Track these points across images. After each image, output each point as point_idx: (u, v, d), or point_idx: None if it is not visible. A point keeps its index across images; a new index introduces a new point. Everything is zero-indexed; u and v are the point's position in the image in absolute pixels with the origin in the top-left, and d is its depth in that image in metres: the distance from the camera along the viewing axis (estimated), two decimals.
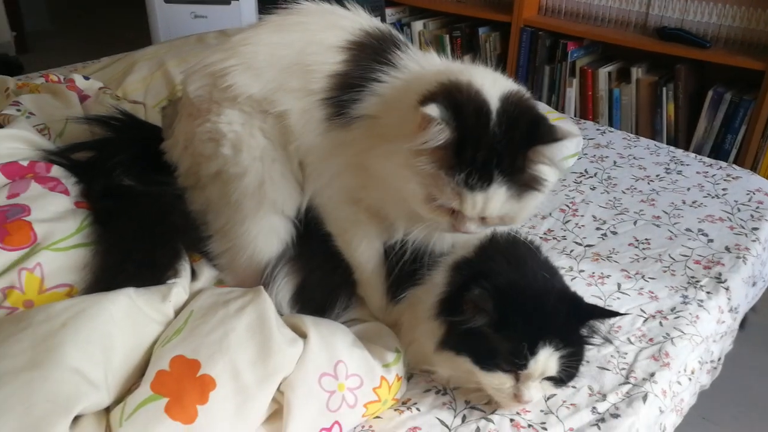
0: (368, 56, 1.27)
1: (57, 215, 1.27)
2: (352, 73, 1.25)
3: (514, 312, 1.14)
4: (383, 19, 3.78)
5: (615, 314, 1.29)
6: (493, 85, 1.16)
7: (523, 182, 1.13)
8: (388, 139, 1.17)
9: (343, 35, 1.28)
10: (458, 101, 1.09)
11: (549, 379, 1.18)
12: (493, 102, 1.13)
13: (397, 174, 1.14)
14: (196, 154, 1.34)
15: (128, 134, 1.55)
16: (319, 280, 1.38)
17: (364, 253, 1.34)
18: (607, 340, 1.29)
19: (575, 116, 3.05)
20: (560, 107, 3.26)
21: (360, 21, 1.32)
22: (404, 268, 1.31)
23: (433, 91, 1.13)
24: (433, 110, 1.04)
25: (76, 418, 0.97)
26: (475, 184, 1.08)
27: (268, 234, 1.33)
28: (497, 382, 1.16)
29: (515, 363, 1.13)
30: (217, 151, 1.29)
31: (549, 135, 1.11)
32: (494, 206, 1.12)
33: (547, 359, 1.13)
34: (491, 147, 1.08)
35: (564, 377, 1.18)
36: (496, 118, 1.11)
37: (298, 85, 1.26)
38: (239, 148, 1.28)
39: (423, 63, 1.29)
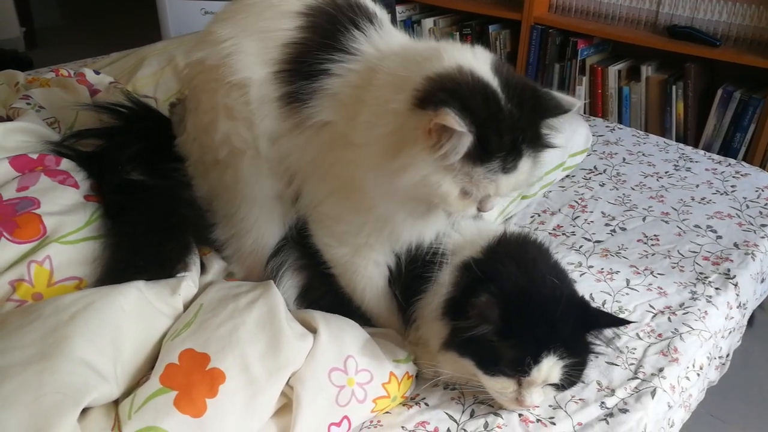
0: (323, 30, 1.21)
1: (66, 208, 1.27)
2: (305, 51, 1.20)
3: (520, 320, 1.13)
4: (394, 17, 3.77)
5: (622, 322, 1.29)
6: (477, 59, 1.12)
7: (539, 147, 1.12)
8: (368, 149, 1.13)
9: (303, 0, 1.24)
10: (463, 95, 1.04)
11: (551, 384, 1.17)
12: (491, 79, 1.09)
13: (423, 183, 1.06)
14: (201, 145, 1.35)
15: (137, 124, 1.54)
16: (334, 298, 1.36)
17: (372, 298, 1.33)
18: (610, 345, 1.29)
19: (585, 113, 3.05)
20: None
21: None
22: (408, 287, 1.30)
23: (425, 90, 1.06)
24: (451, 121, 0.98)
25: (85, 410, 0.97)
26: (509, 167, 1.07)
27: (268, 218, 1.32)
28: (500, 386, 1.16)
29: (519, 370, 1.13)
30: (209, 141, 1.30)
31: (558, 108, 1.13)
32: (522, 178, 1.11)
33: (550, 368, 1.13)
34: (512, 126, 1.06)
35: (566, 384, 1.17)
36: (504, 95, 1.08)
37: (256, 49, 1.22)
38: (212, 138, 1.27)
39: (380, 45, 1.22)
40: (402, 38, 1.27)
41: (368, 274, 1.30)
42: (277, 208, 1.33)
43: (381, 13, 1.28)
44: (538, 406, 1.22)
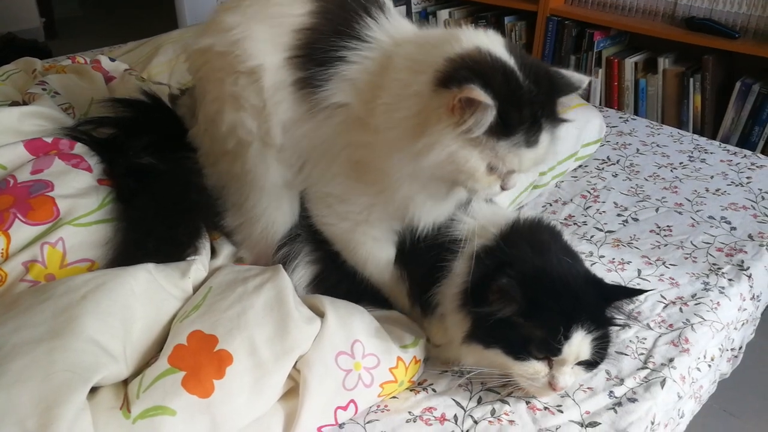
0: (335, 17, 1.22)
1: (80, 191, 1.28)
2: (318, 36, 1.20)
3: (543, 298, 1.12)
4: (408, 8, 3.77)
5: (640, 292, 1.31)
6: (492, 42, 1.15)
7: (556, 121, 1.16)
8: (390, 133, 1.14)
9: None
10: (485, 72, 1.07)
11: (580, 364, 1.17)
12: (508, 58, 1.12)
13: (450, 160, 1.09)
14: (211, 136, 1.35)
15: (150, 115, 1.55)
16: (342, 278, 1.37)
17: (374, 269, 1.33)
18: (632, 318, 1.29)
19: (600, 105, 3.04)
20: (585, 97, 3.22)
21: None
22: (425, 271, 1.30)
23: (446, 70, 1.09)
24: (477, 93, 1.01)
25: (94, 389, 0.98)
26: (531, 140, 1.10)
27: (277, 206, 1.33)
28: (531, 371, 1.14)
29: (550, 348, 1.12)
30: (216, 132, 1.30)
31: (570, 86, 1.17)
32: (542, 152, 1.13)
33: (580, 343, 1.12)
34: (531, 101, 1.09)
35: (597, 359, 1.17)
36: (521, 73, 1.11)
37: (267, 35, 1.22)
38: (220, 129, 1.28)
39: (393, 33, 1.24)
40: (411, 26, 1.30)
41: (367, 248, 1.31)
42: (286, 197, 1.33)
43: (387, 2, 1.30)
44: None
